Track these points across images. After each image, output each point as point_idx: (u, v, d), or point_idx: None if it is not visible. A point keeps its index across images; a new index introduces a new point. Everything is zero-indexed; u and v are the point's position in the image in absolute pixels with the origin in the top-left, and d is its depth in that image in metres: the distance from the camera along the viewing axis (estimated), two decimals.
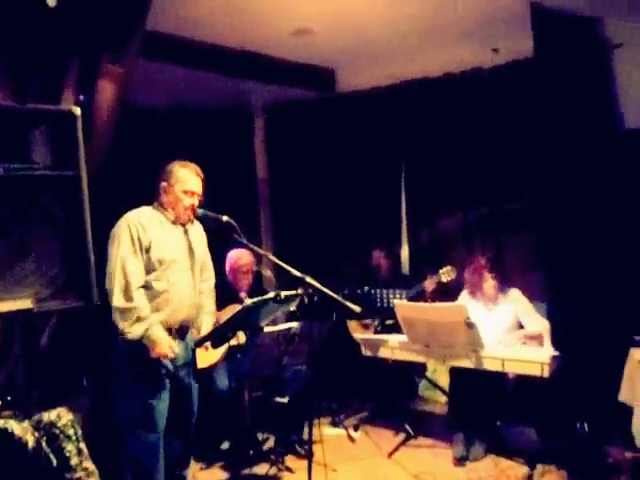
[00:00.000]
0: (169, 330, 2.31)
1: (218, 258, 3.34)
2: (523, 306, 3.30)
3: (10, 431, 1.42)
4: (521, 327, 3.32)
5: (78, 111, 1.71)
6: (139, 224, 2.27)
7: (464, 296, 3.47)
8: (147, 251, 2.26)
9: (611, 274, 3.09)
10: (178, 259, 2.35)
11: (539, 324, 3.22)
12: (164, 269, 2.30)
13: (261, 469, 3.04)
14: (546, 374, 2.78)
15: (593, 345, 3.02)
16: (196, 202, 2.38)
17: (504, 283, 3.35)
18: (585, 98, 3.19)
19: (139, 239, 2.25)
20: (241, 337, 2.95)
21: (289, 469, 3.06)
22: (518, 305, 3.30)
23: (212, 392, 3.04)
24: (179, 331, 2.36)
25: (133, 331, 2.18)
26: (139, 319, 2.18)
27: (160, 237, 2.31)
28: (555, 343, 3.05)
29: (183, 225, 2.42)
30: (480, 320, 3.19)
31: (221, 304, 2.91)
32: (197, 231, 2.52)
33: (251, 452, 3.12)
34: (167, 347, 2.22)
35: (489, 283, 3.31)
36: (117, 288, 2.17)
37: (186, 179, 2.35)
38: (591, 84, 3.22)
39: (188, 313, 2.41)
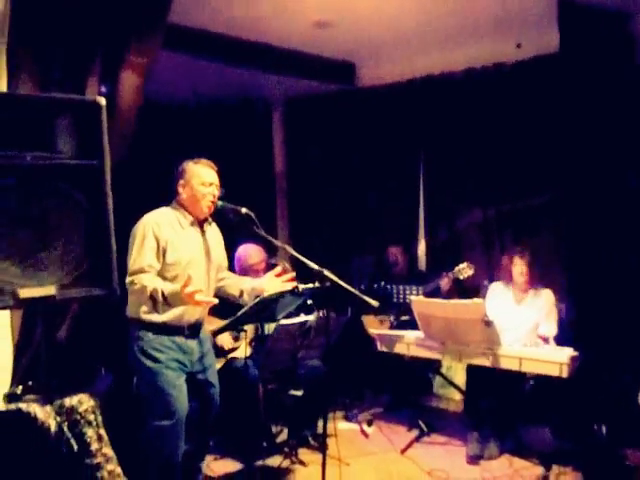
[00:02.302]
0: (181, 328, 2.34)
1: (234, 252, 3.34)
2: (548, 308, 3.26)
3: (33, 415, 1.45)
4: None
5: (103, 101, 1.71)
6: (156, 224, 2.30)
7: (496, 286, 3.42)
8: (164, 251, 2.28)
9: (634, 275, 3.03)
10: (195, 260, 2.37)
11: (550, 330, 3.20)
12: (181, 269, 2.31)
13: (274, 461, 3.06)
14: (565, 374, 2.75)
15: (613, 346, 2.98)
16: (216, 192, 2.40)
17: (538, 282, 3.31)
18: (613, 94, 3.12)
19: (156, 239, 2.27)
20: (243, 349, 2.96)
21: (302, 462, 3.07)
22: (545, 305, 3.27)
23: (243, 380, 3.02)
24: (192, 328, 2.39)
25: (157, 304, 2.19)
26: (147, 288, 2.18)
27: (177, 238, 2.33)
28: (576, 343, 3.01)
29: (202, 225, 2.44)
30: (507, 312, 3.18)
31: (233, 303, 2.82)
32: (215, 233, 2.54)
33: (264, 444, 3.14)
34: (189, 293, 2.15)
35: (518, 268, 3.26)
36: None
37: (202, 172, 2.38)
38: (620, 80, 3.15)
39: (201, 313, 2.43)
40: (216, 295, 2.51)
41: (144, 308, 2.29)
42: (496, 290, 3.40)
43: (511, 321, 3.17)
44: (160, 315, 2.30)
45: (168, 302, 2.17)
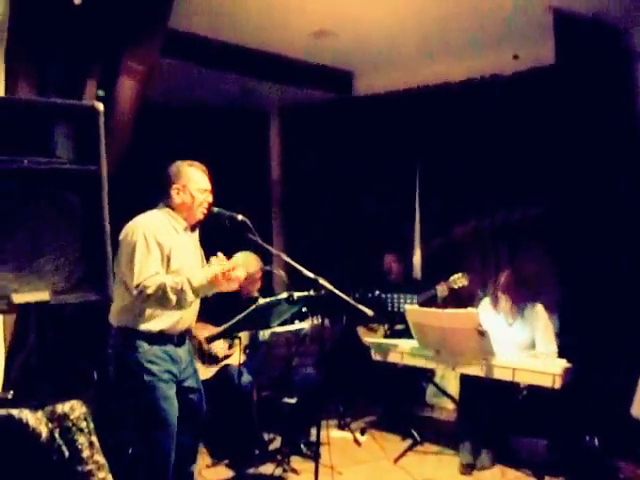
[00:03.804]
0: (172, 336, 2.29)
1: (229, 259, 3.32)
2: (542, 325, 3.22)
3: (25, 421, 1.43)
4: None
5: (101, 107, 1.72)
6: (157, 232, 2.20)
7: (486, 303, 3.42)
8: (168, 259, 2.20)
9: (627, 287, 3.05)
10: (193, 267, 2.32)
11: (549, 348, 3.17)
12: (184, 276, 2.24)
13: (267, 469, 3.04)
14: (557, 385, 2.75)
15: (606, 358, 2.99)
16: (210, 199, 2.37)
17: (527, 299, 3.29)
18: (607, 107, 3.16)
19: (160, 247, 2.19)
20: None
21: (294, 470, 3.06)
22: (538, 322, 3.23)
23: (236, 387, 3.01)
24: (181, 336, 2.35)
25: (185, 299, 2.09)
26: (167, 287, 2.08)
27: (176, 244, 2.27)
28: (568, 355, 3.02)
29: (193, 230, 2.40)
30: (498, 332, 3.16)
31: (227, 310, 2.84)
32: (197, 238, 2.49)
33: (257, 452, 3.12)
34: (226, 273, 2.10)
35: (502, 303, 3.28)
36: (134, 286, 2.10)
37: (198, 177, 2.34)
38: (614, 93, 3.19)
39: (191, 322, 2.40)
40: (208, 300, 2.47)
41: (149, 312, 2.19)
42: (486, 307, 3.39)
43: (504, 341, 3.14)
44: (157, 323, 2.24)
45: (196, 292, 2.12)
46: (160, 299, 2.11)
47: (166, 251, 2.21)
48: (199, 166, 2.37)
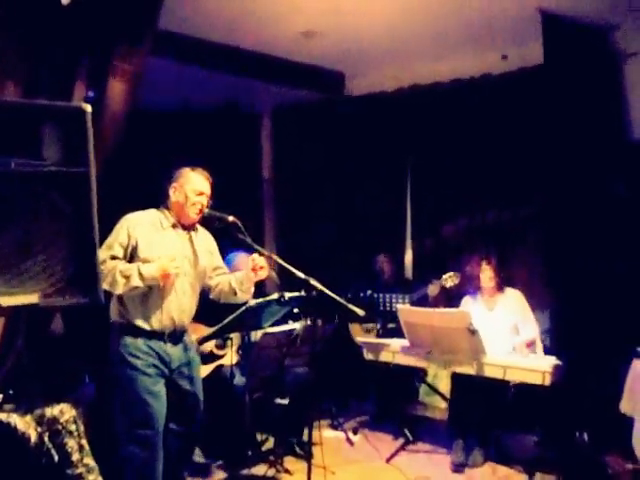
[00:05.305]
0: (161, 334, 2.31)
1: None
2: (521, 308, 3.30)
3: (13, 425, 1.42)
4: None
5: (89, 108, 1.71)
6: (132, 223, 2.31)
7: (466, 301, 3.47)
8: (134, 249, 2.28)
9: (616, 285, 3.09)
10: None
11: (531, 329, 3.24)
12: None
13: (259, 470, 3.04)
14: (547, 383, 2.78)
15: (595, 355, 3.02)
16: (205, 202, 2.40)
17: (505, 283, 3.35)
18: (595, 107, 3.19)
19: (128, 236, 2.28)
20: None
21: (287, 471, 3.06)
22: (517, 306, 3.30)
23: (229, 388, 3.00)
24: (171, 336, 2.35)
25: (117, 287, 2.18)
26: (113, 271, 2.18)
27: (154, 237, 2.32)
28: (557, 352, 3.05)
29: (187, 230, 2.42)
30: (481, 321, 3.19)
31: (219, 311, 2.85)
32: (203, 238, 2.52)
33: (250, 453, 3.12)
34: (165, 266, 2.20)
35: (486, 274, 3.31)
36: None
37: (196, 180, 2.40)
38: (601, 93, 3.22)
39: (180, 319, 2.38)
40: (215, 301, 2.53)
41: (134, 307, 2.27)
42: (467, 305, 3.43)
43: (489, 329, 3.17)
44: (143, 318, 2.28)
45: (143, 277, 2.19)
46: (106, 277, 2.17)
47: (132, 242, 2.30)
48: (201, 172, 2.44)
